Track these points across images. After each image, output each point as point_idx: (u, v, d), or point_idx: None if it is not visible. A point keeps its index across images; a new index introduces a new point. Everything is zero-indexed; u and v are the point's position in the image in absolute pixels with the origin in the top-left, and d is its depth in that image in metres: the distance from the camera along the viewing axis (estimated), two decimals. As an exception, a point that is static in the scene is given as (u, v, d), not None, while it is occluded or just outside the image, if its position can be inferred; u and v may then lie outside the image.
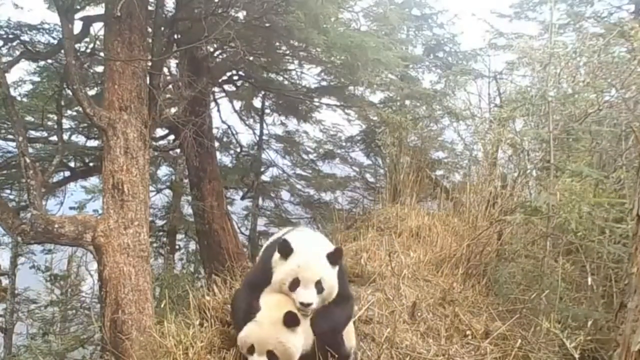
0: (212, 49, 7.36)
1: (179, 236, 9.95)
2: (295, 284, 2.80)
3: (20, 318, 8.41)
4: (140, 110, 5.26)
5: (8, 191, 7.97)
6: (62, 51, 5.35)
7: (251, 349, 2.72)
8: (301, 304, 2.75)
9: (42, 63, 6.55)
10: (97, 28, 5.79)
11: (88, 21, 5.66)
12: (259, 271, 3.10)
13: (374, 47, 6.03)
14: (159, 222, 9.61)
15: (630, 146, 4.02)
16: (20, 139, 4.97)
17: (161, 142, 8.33)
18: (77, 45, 5.67)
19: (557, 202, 3.70)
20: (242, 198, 10.25)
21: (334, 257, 2.91)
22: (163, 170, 10.01)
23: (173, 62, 7.45)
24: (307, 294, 2.77)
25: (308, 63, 7.59)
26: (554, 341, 3.21)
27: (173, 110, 6.93)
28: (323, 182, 9.71)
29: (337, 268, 2.92)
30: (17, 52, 5.85)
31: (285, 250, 2.87)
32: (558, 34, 6.49)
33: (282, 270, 2.85)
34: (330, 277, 2.86)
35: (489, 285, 4.38)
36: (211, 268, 7.07)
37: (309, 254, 2.88)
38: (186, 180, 9.19)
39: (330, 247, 3.01)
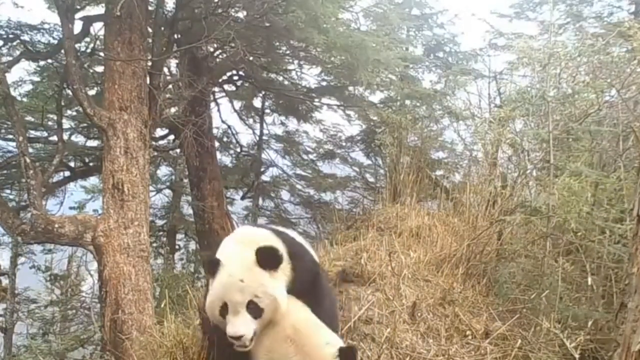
0: (212, 49, 7.36)
1: (179, 236, 9.96)
2: (224, 310, 2.19)
3: (20, 318, 8.39)
4: (140, 110, 5.26)
5: (8, 191, 7.97)
6: (62, 51, 5.36)
7: None
8: (230, 337, 2.15)
9: (42, 63, 6.56)
10: (97, 28, 5.82)
11: (88, 21, 5.67)
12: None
13: (374, 47, 6.04)
14: (159, 222, 9.62)
15: (630, 146, 4.02)
16: (20, 138, 4.97)
17: (161, 142, 8.34)
18: (77, 45, 5.67)
19: (557, 202, 3.70)
20: (242, 198, 10.25)
21: (264, 260, 2.20)
22: (163, 170, 10.04)
23: (173, 62, 7.45)
24: (237, 324, 2.14)
25: (308, 63, 7.60)
26: (554, 341, 3.20)
27: (173, 110, 6.94)
28: (323, 182, 9.71)
29: (280, 273, 2.25)
30: (17, 52, 5.86)
31: (211, 266, 2.26)
32: (558, 34, 6.50)
33: (209, 294, 2.26)
34: (269, 291, 2.19)
35: (489, 285, 4.38)
36: (211, 268, 7.06)
37: (235, 266, 2.20)
38: (186, 180, 9.20)
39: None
